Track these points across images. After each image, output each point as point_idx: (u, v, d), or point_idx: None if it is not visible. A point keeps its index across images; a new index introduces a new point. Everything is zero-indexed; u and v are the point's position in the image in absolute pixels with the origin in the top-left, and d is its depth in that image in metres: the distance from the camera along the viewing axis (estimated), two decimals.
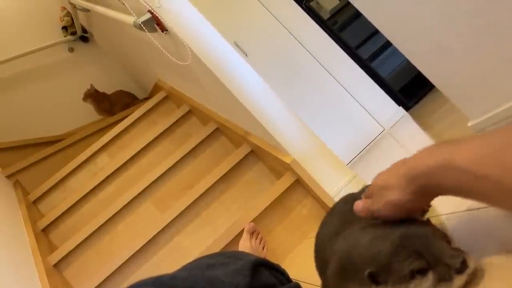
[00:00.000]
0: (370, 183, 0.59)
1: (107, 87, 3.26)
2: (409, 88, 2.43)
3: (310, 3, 2.41)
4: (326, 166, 1.51)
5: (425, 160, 0.45)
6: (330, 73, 2.33)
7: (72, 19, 3.30)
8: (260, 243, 1.42)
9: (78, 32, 3.40)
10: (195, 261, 0.64)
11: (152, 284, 0.46)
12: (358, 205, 0.58)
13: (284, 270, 0.75)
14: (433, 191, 0.46)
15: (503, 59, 0.81)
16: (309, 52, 2.33)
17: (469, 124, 1.00)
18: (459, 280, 0.46)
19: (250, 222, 1.47)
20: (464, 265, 0.47)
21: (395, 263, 0.48)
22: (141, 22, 1.53)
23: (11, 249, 1.65)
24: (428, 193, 0.47)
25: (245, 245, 1.39)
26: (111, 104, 3.15)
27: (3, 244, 1.63)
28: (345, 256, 0.56)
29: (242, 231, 1.46)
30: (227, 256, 0.67)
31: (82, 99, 3.06)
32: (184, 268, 0.61)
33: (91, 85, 3.08)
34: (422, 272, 0.47)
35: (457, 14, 0.81)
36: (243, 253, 0.72)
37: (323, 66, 2.33)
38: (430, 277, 0.47)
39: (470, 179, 0.38)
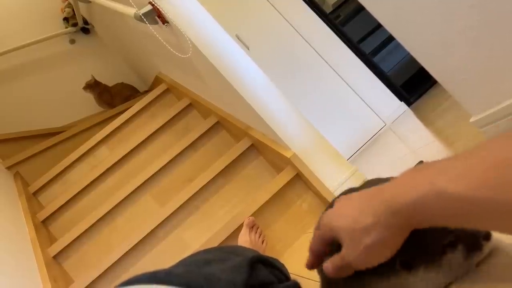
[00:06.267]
0: (369, 178, 0.54)
1: (108, 79, 3.25)
2: (411, 83, 2.42)
3: None
4: (327, 160, 1.50)
5: (409, 189, 0.39)
6: (332, 67, 2.32)
7: (73, 10, 3.27)
8: (259, 237, 1.42)
9: (79, 24, 3.38)
10: (192, 256, 0.64)
11: (147, 280, 0.46)
12: (327, 267, 0.46)
13: (283, 265, 0.74)
14: (419, 222, 0.40)
15: (507, 56, 0.80)
16: (311, 46, 2.32)
17: (471, 120, 0.99)
18: (487, 247, 0.46)
19: (250, 216, 1.47)
20: (488, 232, 0.46)
21: (425, 243, 0.45)
22: (142, 14, 1.52)
23: (10, 240, 1.66)
24: (413, 225, 0.41)
25: (244, 239, 1.39)
26: (112, 97, 3.14)
27: (3, 235, 1.64)
28: None
29: (242, 225, 1.46)
30: (225, 251, 0.66)
31: (82, 88, 3.06)
32: (181, 263, 0.60)
33: (92, 76, 3.07)
34: (452, 245, 0.46)
35: (461, 8, 0.80)
36: (241, 248, 0.72)
37: (325, 60, 2.32)
38: (460, 248, 0.46)
39: (467, 205, 0.33)
